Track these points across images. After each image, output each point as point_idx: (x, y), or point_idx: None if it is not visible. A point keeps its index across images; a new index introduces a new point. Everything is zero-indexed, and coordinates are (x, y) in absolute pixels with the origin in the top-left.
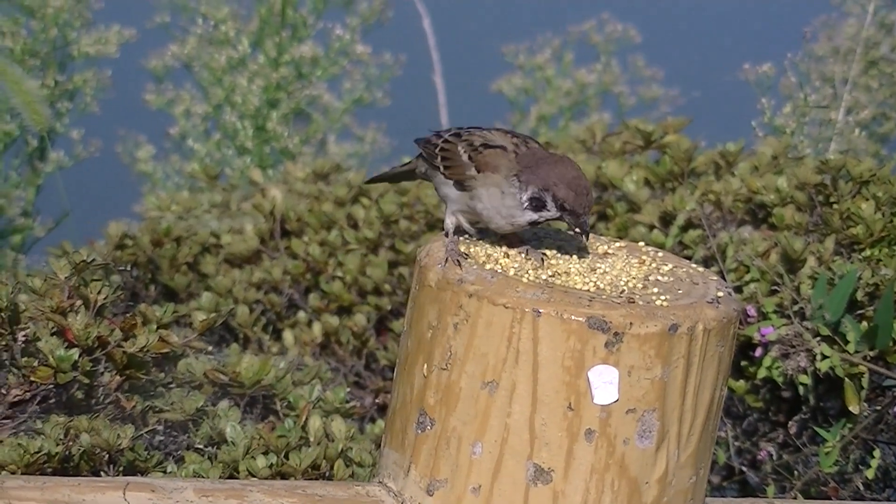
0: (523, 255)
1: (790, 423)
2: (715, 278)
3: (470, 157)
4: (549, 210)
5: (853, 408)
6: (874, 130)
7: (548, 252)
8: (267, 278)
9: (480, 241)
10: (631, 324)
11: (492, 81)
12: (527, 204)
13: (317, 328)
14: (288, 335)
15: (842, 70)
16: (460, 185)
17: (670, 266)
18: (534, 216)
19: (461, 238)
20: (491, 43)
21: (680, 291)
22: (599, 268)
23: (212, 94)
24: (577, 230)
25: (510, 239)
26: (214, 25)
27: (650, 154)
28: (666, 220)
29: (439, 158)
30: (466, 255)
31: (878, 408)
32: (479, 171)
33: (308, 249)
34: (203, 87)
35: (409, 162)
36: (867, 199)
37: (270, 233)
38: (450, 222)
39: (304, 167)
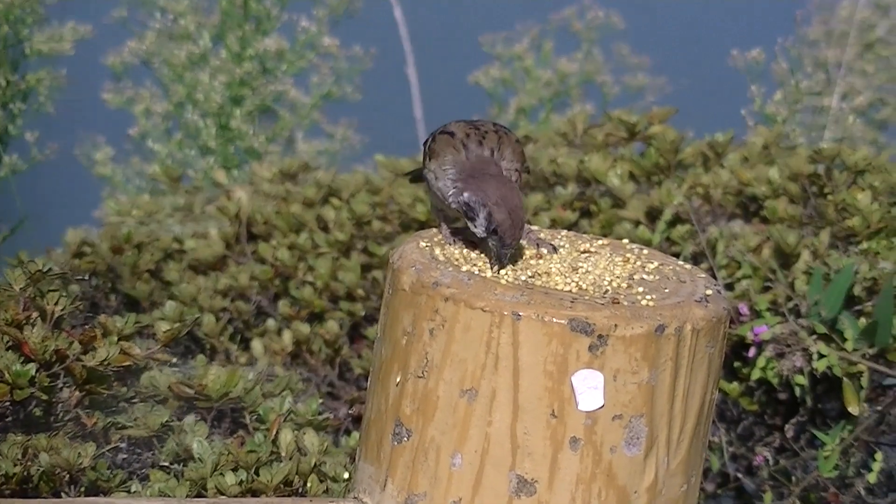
0: (535, 246)
1: (787, 426)
2: (703, 276)
3: (425, 146)
4: (475, 225)
5: (853, 409)
6: (871, 117)
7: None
8: (233, 285)
9: (457, 241)
10: (615, 325)
11: (468, 73)
12: (453, 200)
13: (287, 336)
14: (257, 344)
15: (836, 54)
16: (418, 174)
17: (656, 264)
18: (458, 212)
19: (437, 239)
20: (467, 32)
21: (666, 290)
22: (581, 267)
23: (172, 91)
24: (494, 259)
25: None
26: (174, 19)
27: (635, 146)
28: (652, 215)
29: (423, 154)
30: (472, 241)
31: (879, 408)
32: (429, 159)
33: (276, 254)
34: (163, 84)
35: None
36: (863, 189)
37: (236, 237)
38: (440, 217)
39: (271, 167)
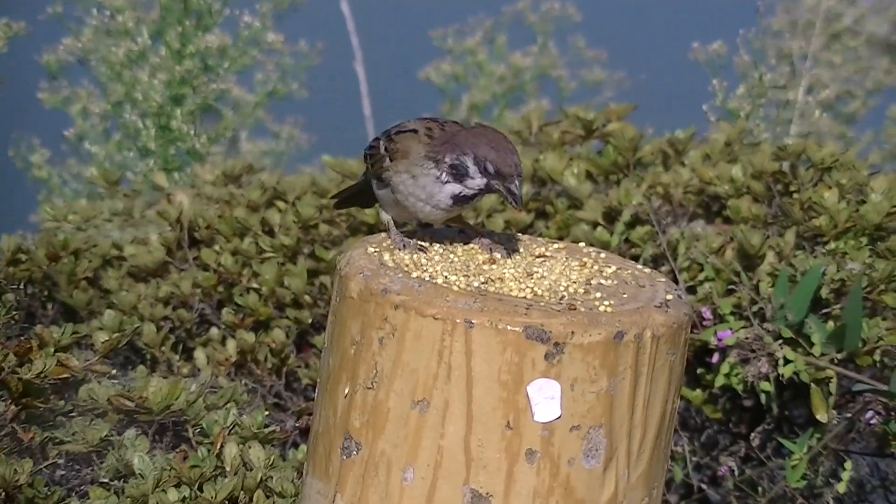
0: (488, 250)
1: (752, 434)
2: (663, 280)
3: (386, 149)
4: (471, 177)
5: (821, 416)
6: (839, 110)
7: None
8: (175, 292)
9: (408, 246)
10: (572, 333)
11: (419, 68)
12: (446, 176)
13: (231, 346)
14: (200, 354)
15: (801, 45)
16: (380, 179)
17: (614, 268)
18: (456, 188)
19: (386, 243)
20: (417, 26)
21: (625, 296)
22: (536, 272)
23: (111, 90)
24: (508, 196)
25: (467, 233)
26: (111, 16)
27: (592, 144)
28: (610, 216)
29: (367, 159)
30: (421, 245)
31: (849, 415)
32: (392, 160)
33: (220, 259)
34: (101, 83)
35: (363, 173)
36: (830, 187)
37: (178, 242)
38: (387, 216)
39: (214, 169)
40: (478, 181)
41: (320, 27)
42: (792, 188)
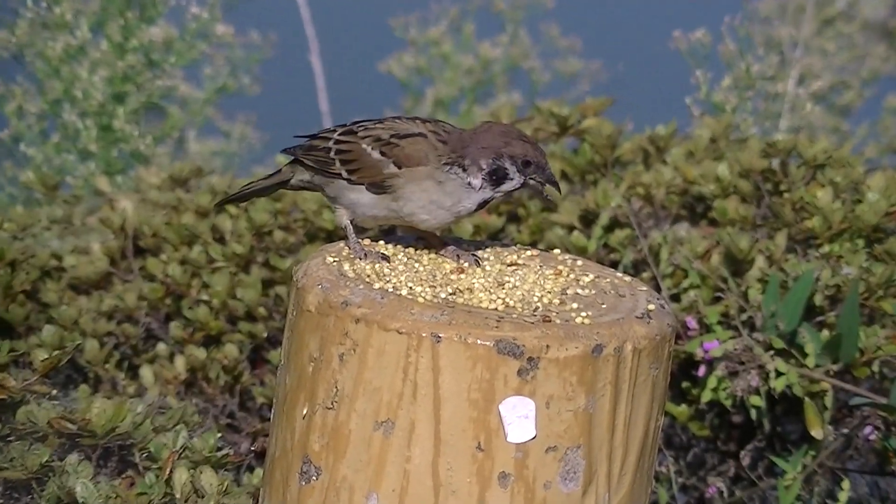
0: (455, 259)
1: (742, 452)
2: (645, 288)
3: (383, 153)
4: (511, 178)
5: (816, 432)
6: (833, 102)
7: (479, 255)
8: (119, 305)
9: (369, 255)
10: (547, 346)
11: (379, 61)
12: (481, 181)
13: (180, 362)
14: (146, 372)
15: (791, 32)
16: (378, 187)
17: (592, 276)
18: (488, 193)
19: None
20: (376, 15)
21: (604, 306)
22: (508, 282)
23: (48, 87)
24: (549, 188)
25: (430, 241)
26: (48, 7)
27: (567, 142)
28: (587, 219)
29: (338, 163)
30: (383, 254)
31: (846, 431)
32: (399, 167)
33: (167, 269)
34: (38, 79)
35: (276, 172)
36: (823, 186)
37: (122, 251)
38: (345, 220)
39: (160, 172)
40: (515, 182)
41: (273, 17)
42: (782, 187)
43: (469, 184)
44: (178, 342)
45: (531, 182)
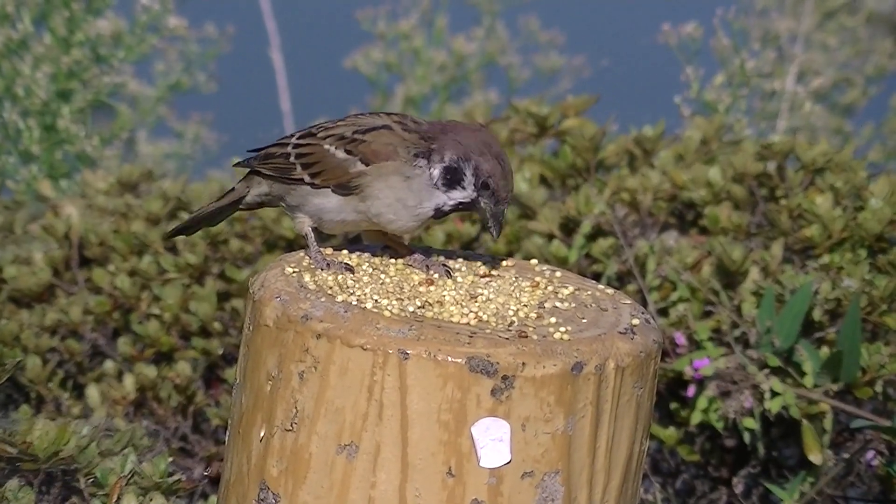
0: (424, 269)
1: (735, 479)
2: (628, 302)
3: (348, 152)
4: (463, 188)
5: (814, 457)
6: (834, 100)
7: (450, 265)
8: (63, 320)
9: (332, 266)
10: (523, 364)
11: (344, 56)
12: (438, 178)
13: (129, 381)
14: (92, 391)
15: (790, 25)
16: (344, 188)
17: (571, 289)
18: (441, 200)
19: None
20: (342, 7)
21: (584, 320)
22: (481, 294)
23: None
24: (492, 221)
25: (398, 250)
26: None
27: (546, 144)
28: (568, 227)
29: (299, 167)
30: (347, 265)
31: (847, 455)
32: (367, 164)
33: (115, 281)
34: None
35: (229, 192)
36: (823, 192)
37: (66, 262)
38: (306, 227)
39: (107, 176)
40: (467, 193)
41: (230, 9)
42: (779, 193)
43: (430, 175)
44: (126, 359)
45: (481, 204)
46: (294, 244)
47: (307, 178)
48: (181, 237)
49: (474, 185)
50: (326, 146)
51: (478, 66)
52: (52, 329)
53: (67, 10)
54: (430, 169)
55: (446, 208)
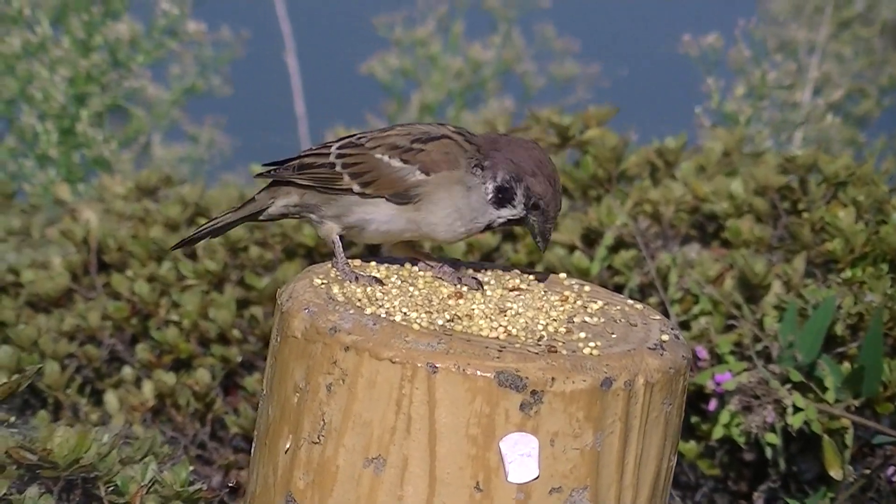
0: (455, 282)
1: (755, 493)
2: (658, 317)
3: (404, 161)
4: (513, 206)
5: (834, 472)
6: (849, 111)
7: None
8: (82, 325)
9: (361, 278)
10: (552, 379)
11: (361, 62)
12: (491, 195)
13: (147, 388)
14: (111, 398)
15: (808, 36)
16: (401, 196)
17: (600, 303)
18: (493, 215)
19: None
20: (358, 12)
21: (614, 336)
22: (510, 308)
23: (3, 86)
24: (538, 237)
25: (426, 262)
26: (5, 1)
27: (567, 154)
28: (590, 238)
29: (347, 177)
30: (376, 277)
31: (867, 471)
32: (428, 174)
33: (133, 287)
34: None
35: (249, 202)
36: (845, 205)
37: (84, 266)
38: (334, 234)
39: (125, 180)
40: (517, 211)
41: (245, 13)
42: (801, 206)
43: (485, 189)
44: (144, 366)
45: (530, 221)
46: (314, 252)
47: (357, 188)
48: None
49: (524, 204)
50: (378, 155)
51: (494, 73)
52: (70, 334)
53: (86, 14)
54: (486, 183)
55: (495, 225)
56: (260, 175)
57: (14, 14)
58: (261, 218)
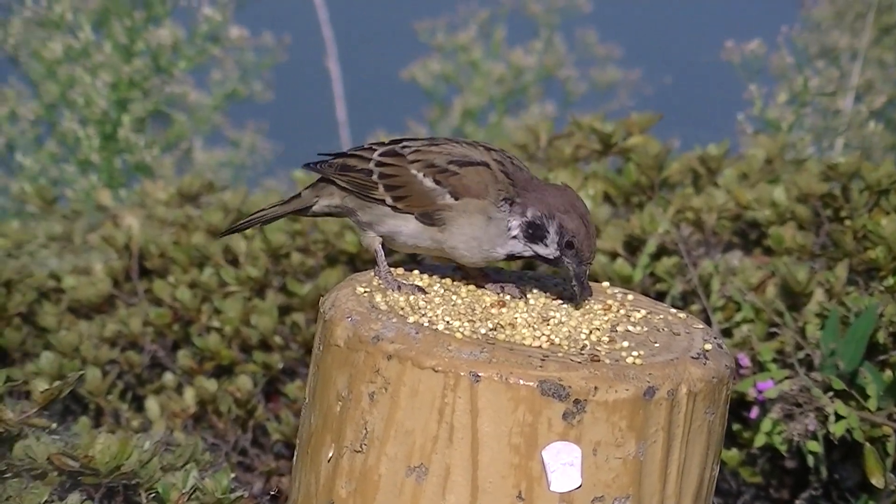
0: (499, 291)
1: (797, 501)
2: (701, 326)
3: (437, 181)
4: (546, 244)
5: (876, 480)
6: (890, 117)
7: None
8: (123, 331)
9: (403, 287)
10: (595, 388)
11: (402, 67)
12: (517, 231)
13: (189, 395)
14: (152, 404)
15: (849, 42)
16: (428, 216)
17: (643, 312)
18: (517, 248)
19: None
20: (401, 18)
21: (657, 345)
22: (553, 317)
23: (44, 90)
24: (574, 281)
25: (471, 271)
26: (47, 5)
27: (610, 161)
28: (632, 245)
29: (382, 188)
30: (419, 286)
31: None
32: (456, 198)
33: (175, 293)
34: (33, 82)
35: (295, 197)
36: (888, 213)
37: (126, 272)
38: (376, 244)
39: (167, 186)
40: (550, 250)
41: (287, 18)
42: (843, 214)
43: (508, 225)
44: (186, 372)
45: (565, 262)
46: (356, 258)
47: (389, 201)
48: (241, 246)
49: (557, 243)
50: (414, 171)
51: (535, 78)
52: (111, 341)
53: (128, 19)
54: (510, 219)
55: (522, 255)
56: (307, 166)
57: (56, 19)
58: (307, 214)
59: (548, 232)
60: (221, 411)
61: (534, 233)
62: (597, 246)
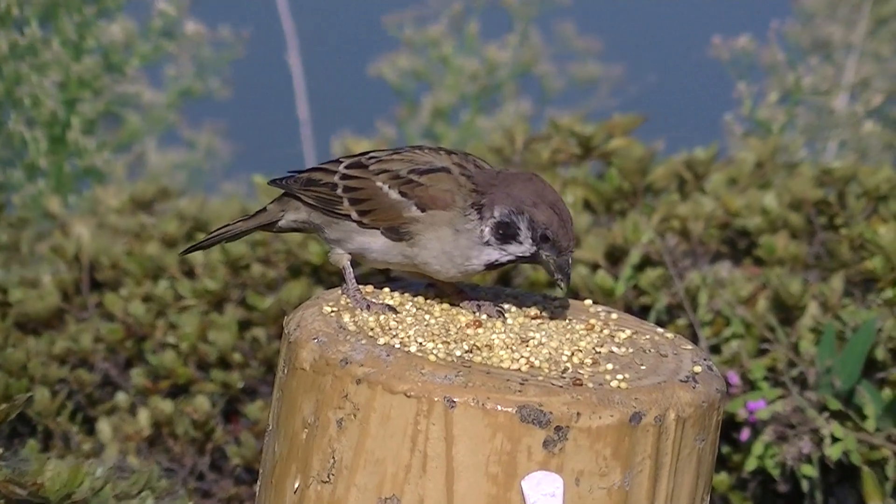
0: (475, 310)
1: None
2: (690, 347)
3: (403, 193)
4: (520, 242)
5: None
6: (887, 114)
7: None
8: (73, 348)
9: (373, 306)
10: (578, 414)
11: (369, 63)
12: (488, 236)
13: (143, 416)
14: (104, 426)
15: (844, 35)
16: (394, 231)
17: (629, 332)
18: (493, 255)
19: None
20: (367, 11)
21: (643, 367)
22: (533, 338)
23: None
24: (556, 273)
25: (445, 289)
26: None
27: (590, 165)
28: (615, 256)
29: (346, 202)
30: (389, 305)
31: None
32: (423, 210)
33: (128, 307)
34: None
35: (260, 212)
36: (886, 221)
37: (76, 285)
38: (344, 260)
39: (119, 192)
40: (525, 248)
41: (245, 10)
42: (839, 221)
43: (480, 236)
44: (140, 392)
45: (543, 257)
46: (320, 270)
47: (354, 216)
48: (198, 257)
49: (531, 238)
50: (379, 183)
51: (510, 74)
52: (61, 358)
53: (78, 14)
54: (481, 225)
55: (501, 262)
56: (272, 183)
57: (1, 13)
58: (273, 230)
59: (519, 229)
60: (178, 433)
61: (505, 233)
62: (574, 232)
